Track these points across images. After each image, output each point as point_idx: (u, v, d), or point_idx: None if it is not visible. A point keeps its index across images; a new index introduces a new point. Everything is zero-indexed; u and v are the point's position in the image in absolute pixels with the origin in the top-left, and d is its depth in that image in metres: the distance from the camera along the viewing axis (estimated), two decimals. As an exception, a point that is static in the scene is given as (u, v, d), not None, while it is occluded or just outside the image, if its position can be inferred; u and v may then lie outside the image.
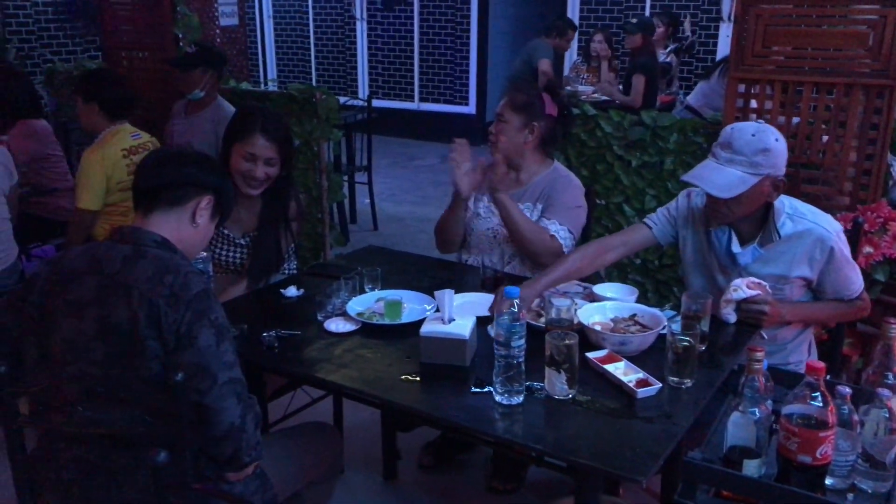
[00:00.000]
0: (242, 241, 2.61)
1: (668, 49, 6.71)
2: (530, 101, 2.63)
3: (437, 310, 2.04)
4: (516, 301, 1.73)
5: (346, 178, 5.47)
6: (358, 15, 9.26)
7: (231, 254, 2.61)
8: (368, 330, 2.13)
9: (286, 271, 2.69)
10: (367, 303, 2.25)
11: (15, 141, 3.86)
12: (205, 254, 2.21)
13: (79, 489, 1.68)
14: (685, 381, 1.80)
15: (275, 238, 2.58)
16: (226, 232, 2.60)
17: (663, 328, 1.96)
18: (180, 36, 4.64)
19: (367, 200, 5.90)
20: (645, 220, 2.39)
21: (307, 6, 9.70)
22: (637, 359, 1.92)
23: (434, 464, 2.87)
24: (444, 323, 1.92)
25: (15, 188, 3.26)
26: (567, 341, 1.71)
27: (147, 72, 4.65)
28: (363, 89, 9.40)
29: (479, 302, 2.20)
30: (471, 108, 8.85)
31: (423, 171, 7.73)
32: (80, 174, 3.25)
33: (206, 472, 1.70)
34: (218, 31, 6.34)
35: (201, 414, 1.61)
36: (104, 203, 3.26)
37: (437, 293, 1.98)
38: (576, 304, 2.03)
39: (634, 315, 2.07)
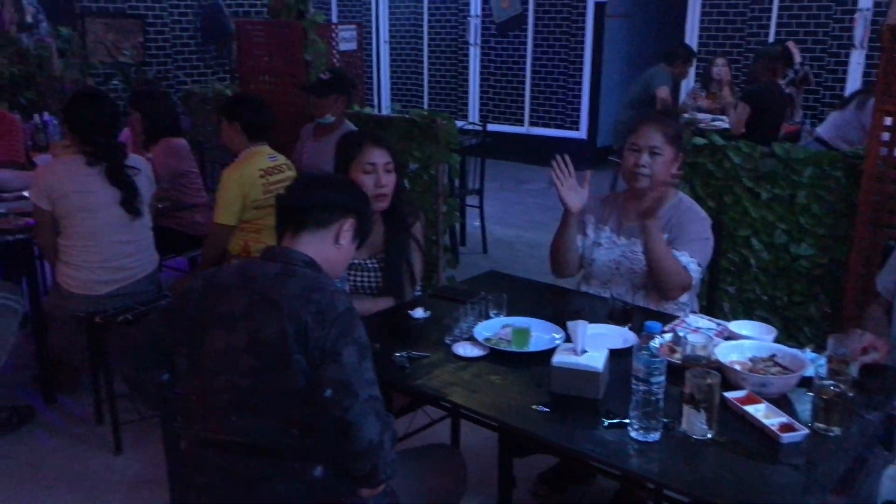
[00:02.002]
0: (370, 264, 2.69)
1: (787, 79, 6.47)
2: (680, 132, 2.61)
3: (567, 339, 2.04)
4: (658, 338, 1.70)
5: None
6: (472, 40, 9.40)
7: (365, 278, 2.69)
8: (496, 356, 2.14)
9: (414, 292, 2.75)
10: (493, 328, 2.27)
11: (157, 158, 4.11)
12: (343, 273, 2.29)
13: (221, 495, 1.76)
14: (833, 428, 1.72)
15: (404, 256, 2.65)
16: (355, 261, 2.67)
17: (806, 371, 1.88)
18: (308, 61, 4.85)
19: (477, 224, 5.94)
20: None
21: (422, 32, 9.93)
22: (776, 401, 1.85)
23: (549, 493, 2.84)
24: (576, 354, 1.91)
25: (153, 197, 3.49)
26: (709, 381, 1.67)
27: (277, 95, 4.87)
28: (474, 113, 9.51)
29: (609, 334, 2.18)
30: (582, 134, 8.80)
31: (533, 195, 7.73)
32: (219, 191, 3.43)
33: (341, 486, 1.75)
34: (337, 55, 6.59)
35: (342, 429, 1.66)
36: (239, 219, 3.43)
37: (569, 323, 1.97)
38: (712, 341, 1.99)
39: (774, 355, 2.00)
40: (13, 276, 3.74)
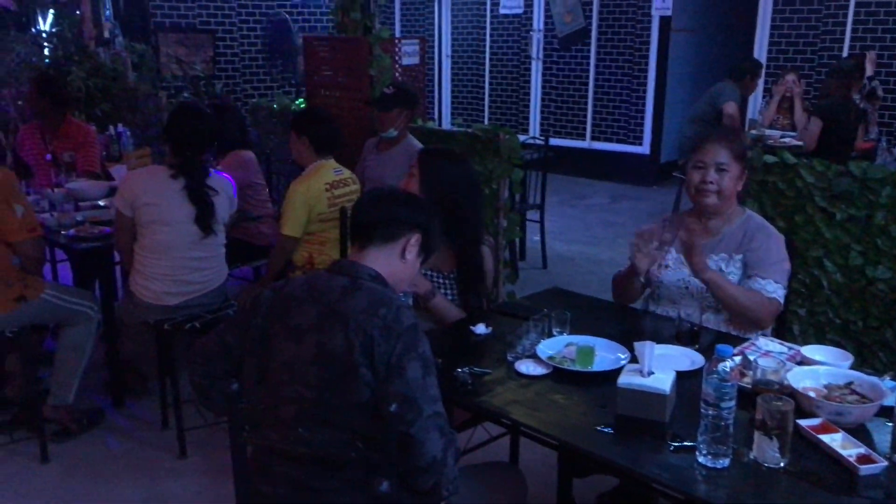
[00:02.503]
0: (441, 279, 2.70)
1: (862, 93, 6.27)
2: (745, 149, 2.56)
3: (633, 360, 2.00)
4: (729, 361, 1.66)
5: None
6: (534, 55, 9.39)
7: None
8: (559, 375, 2.12)
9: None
10: (557, 347, 2.25)
11: (226, 170, 4.21)
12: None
13: (285, 504, 1.78)
14: (915, 461, 1.64)
15: (476, 267, 2.65)
16: (427, 272, 2.68)
17: (886, 400, 1.81)
18: (373, 75, 4.92)
19: (537, 238, 5.91)
20: None
21: (484, 46, 9.97)
22: (853, 431, 1.78)
23: (608, 515, 2.79)
24: (643, 375, 1.88)
25: (234, 216, 3.49)
26: (783, 407, 1.62)
27: (342, 109, 4.95)
28: (535, 127, 9.49)
29: (676, 355, 2.14)
30: (644, 149, 8.68)
31: (594, 210, 7.66)
32: (286, 203, 3.49)
33: (403, 501, 1.75)
34: (399, 70, 6.67)
35: (405, 444, 1.66)
36: (304, 232, 3.48)
37: (636, 344, 1.94)
38: (784, 365, 1.93)
39: (851, 383, 1.92)
40: (87, 283, 3.87)
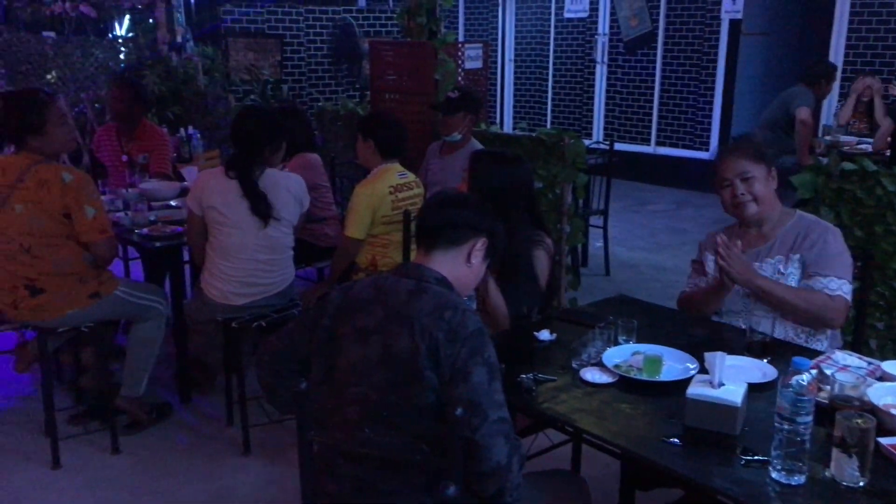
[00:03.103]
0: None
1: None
2: (761, 146, 2.52)
3: (702, 370, 1.95)
4: (805, 375, 1.60)
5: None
6: (598, 59, 9.29)
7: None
8: (625, 384, 2.08)
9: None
10: (623, 355, 2.21)
11: (293, 172, 4.29)
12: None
13: (349, 504, 1.79)
14: None
15: (529, 271, 2.62)
16: None
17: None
18: (438, 79, 4.94)
19: (599, 244, 5.84)
20: None
21: (548, 50, 9.92)
22: (939, 452, 1.69)
23: (672, 529, 2.72)
24: (713, 387, 1.83)
25: (303, 217, 3.49)
26: (864, 425, 1.55)
27: (405, 113, 4.98)
28: (598, 132, 9.39)
29: (747, 367, 2.08)
30: (710, 154, 8.49)
31: (658, 216, 7.52)
32: (350, 205, 3.53)
33: (466, 506, 1.74)
34: (462, 73, 6.68)
35: (470, 449, 1.65)
36: (368, 234, 3.51)
37: (707, 354, 1.89)
38: (864, 381, 1.85)
39: (936, 401, 1.83)
40: (158, 280, 3.99)
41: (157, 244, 3.56)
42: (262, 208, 3.20)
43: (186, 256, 3.80)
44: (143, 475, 3.15)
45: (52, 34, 8.77)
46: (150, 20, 8.02)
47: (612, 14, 9.11)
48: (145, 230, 3.62)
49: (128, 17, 8.68)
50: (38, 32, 8.59)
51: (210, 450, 3.33)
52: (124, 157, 4.47)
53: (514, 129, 9.59)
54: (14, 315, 3.13)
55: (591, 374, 2.12)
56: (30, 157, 3.02)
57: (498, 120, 10.31)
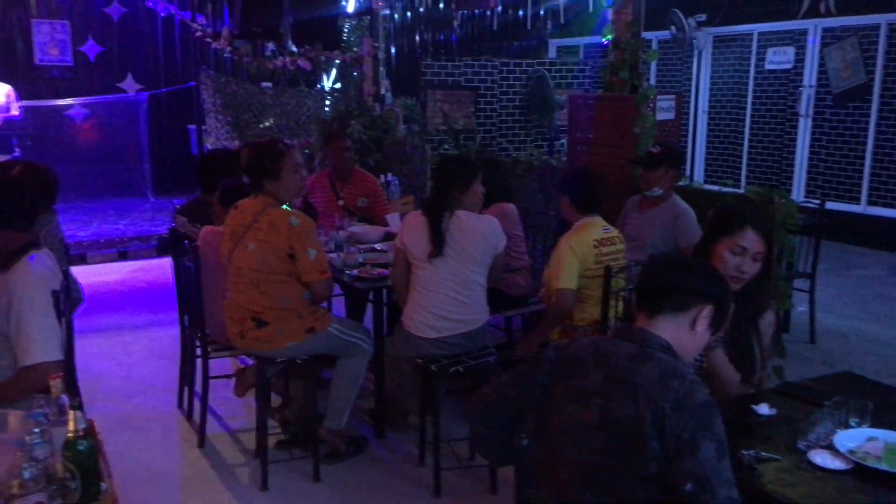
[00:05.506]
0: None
1: None
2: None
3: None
4: None
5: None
6: (803, 112, 8.79)
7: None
8: (862, 472, 1.91)
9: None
10: (857, 440, 2.03)
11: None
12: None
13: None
14: None
15: (747, 344, 2.49)
16: None
17: None
18: (637, 133, 4.88)
19: (802, 309, 5.44)
20: None
21: (746, 102, 9.52)
22: None
23: None
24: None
25: (499, 258, 3.55)
26: None
27: (603, 166, 4.95)
28: (798, 189, 8.84)
29: None
30: (931, 216, 7.73)
31: (867, 282, 6.92)
32: (554, 258, 3.55)
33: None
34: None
35: (696, 527, 1.59)
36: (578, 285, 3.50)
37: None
38: None
39: None
40: (358, 316, 4.21)
41: (365, 285, 3.76)
42: (435, 239, 3.35)
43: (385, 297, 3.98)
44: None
45: (270, 84, 9.68)
46: (355, 73, 8.62)
47: (820, 65, 8.60)
48: (355, 272, 3.84)
49: (334, 69, 9.39)
50: (258, 83, 9.52)
51: (404, 488, 3.42)
52: (340, 202, 4.79)
53: (715, 183, 9.25)
54: (240, 344, 3.43)
55: (822, 458, 1.96)
56: (265, 200, 3.32)
57: (689, 172, 10.00)
